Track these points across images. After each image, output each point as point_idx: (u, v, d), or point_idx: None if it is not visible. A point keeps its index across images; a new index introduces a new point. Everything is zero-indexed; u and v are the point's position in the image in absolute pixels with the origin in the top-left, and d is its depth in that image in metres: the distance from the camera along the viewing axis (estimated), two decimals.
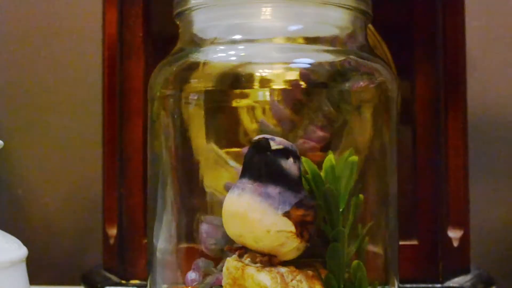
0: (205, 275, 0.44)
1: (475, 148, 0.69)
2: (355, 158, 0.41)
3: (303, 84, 0.43)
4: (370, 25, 0.57)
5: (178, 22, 0.47)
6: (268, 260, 0.40)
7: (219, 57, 0.44)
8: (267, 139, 0.39)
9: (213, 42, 0.45)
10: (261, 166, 0.39)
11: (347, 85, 0.43)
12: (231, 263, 0.40)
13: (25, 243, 0.46)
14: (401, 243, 0.50)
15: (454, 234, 0.57)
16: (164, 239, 0.46)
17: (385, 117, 0.45)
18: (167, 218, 0.45)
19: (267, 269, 0.40)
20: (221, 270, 0.41)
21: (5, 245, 0.44)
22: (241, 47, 0.44)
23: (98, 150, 0.63)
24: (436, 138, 0.56)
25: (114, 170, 0.58)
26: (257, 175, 0.39)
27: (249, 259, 0.40)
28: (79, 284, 0.60)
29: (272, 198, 0.39)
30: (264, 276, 0.39)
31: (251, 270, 0.40)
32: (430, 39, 0.56)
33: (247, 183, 0.39)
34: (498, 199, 0.75)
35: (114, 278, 0.57)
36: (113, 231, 0.58)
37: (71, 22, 0.78)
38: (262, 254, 0.40)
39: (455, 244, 0.57)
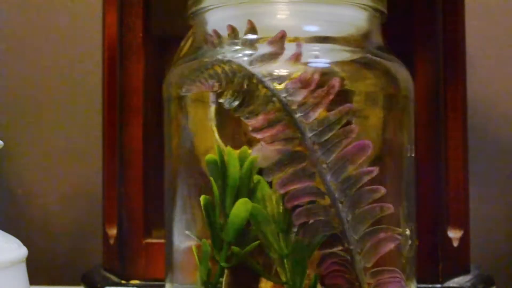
0: None
1: (475, 148, 0.69)
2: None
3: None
4: None
5: (191, 22, 0.47)
6: None
7: (235, 57, 0.43)
8: None
9: (228, 42, 0.44)
10: None
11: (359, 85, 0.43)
12: None
13: (25, 243, 0.46)
14: None
15: (454, 234, 0.57)
16: (183, 239, 0.45)
17: (402, 117, 0.45)
18: (185, 217, 0.45)
19: None
20: None
21: (5, 245, 0.43)
22: (256, 46, 0.43)
23: (98, 150, 0.63)
24: (436, 138, 0.56)
25: (114, 170, 0.58)
26: None
27: None
28: (79, 284, 0.60)
29: None
30: None
31: None
32: (430, 39, 0.56)
33: None
34: (498, 199, 0.75)
35: (114, 278, 0.57)
36: (113, 231, 0.58)
37: (71, 22, 0.78)
38: None
39: (455, 244, 0.57)
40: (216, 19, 0.45)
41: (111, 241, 0.58)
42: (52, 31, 0.78)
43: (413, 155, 0.46)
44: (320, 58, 0.43)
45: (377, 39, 0.46)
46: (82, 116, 0.77)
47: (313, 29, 0.44)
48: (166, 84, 0.47)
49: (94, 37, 0.68)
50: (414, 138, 0.56)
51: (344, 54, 0.44)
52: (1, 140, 0.46)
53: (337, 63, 0.43)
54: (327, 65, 0.42)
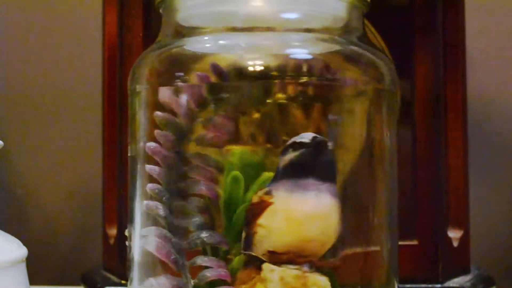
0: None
1: (475, 148, 0.69)
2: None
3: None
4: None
5: (161, 11, 0.44)
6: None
7: (205, 47, 0.41)
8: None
9: (199, 31, 0.42)
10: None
11: (341, 77, 0.41)
12: (288, 272, 0.38)
13: (25, 243, 0.46)
14: (401, 243, 0.50)
15: (454, 234, 0.57)
16: (139, 240, 0.44)
17: (385, 112, 0.43)
18: (143, 219, 0.43)
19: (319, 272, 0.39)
20: None
21: (5, 245, 0.43)
22: (229, 36, 0.41)
23: (98, 150, 0.63)
24: (436, 138, 0.56)
25: (114, 170, 0.58)
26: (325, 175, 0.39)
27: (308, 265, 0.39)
28: (79, 284, 0.60)
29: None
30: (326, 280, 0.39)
31: (316, 276, 0.38)
32: (430, 39, 0.56)
33: (318, 184, 0.38)
34: (498, 199, 0.75)
35: (114, 278, 0.57)
36: (113, 231, 0.58)
37: (71, 22, 0.78)
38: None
39: (455, 244, 0.57)
40: (186, 6, 0.42)
41: (111, 241, 0.58)
42: (52, 31, 0.78)
43: (395, 152, 0.44)
44: (299, 49, 0.40)
45: (359, 29, 0.44)
46: (82, 116, 0.77)
47: (290, 16, 0.41)
48: (130, 78, 0.44)
49: (94, 37, 0.68)
50: (414, 138, 0.56)
51: (323, 44, 0.41)
52: (1, 140, 0.46)
53: (318, 54, 0.40)
54: (308, 56, 0.40)
